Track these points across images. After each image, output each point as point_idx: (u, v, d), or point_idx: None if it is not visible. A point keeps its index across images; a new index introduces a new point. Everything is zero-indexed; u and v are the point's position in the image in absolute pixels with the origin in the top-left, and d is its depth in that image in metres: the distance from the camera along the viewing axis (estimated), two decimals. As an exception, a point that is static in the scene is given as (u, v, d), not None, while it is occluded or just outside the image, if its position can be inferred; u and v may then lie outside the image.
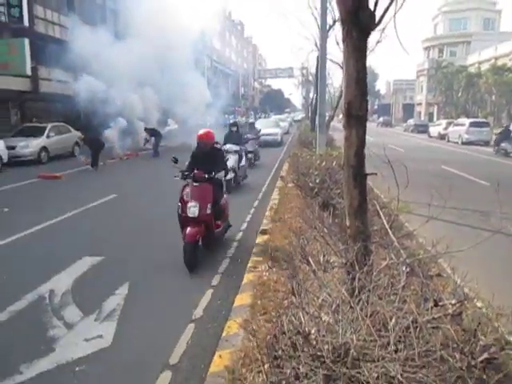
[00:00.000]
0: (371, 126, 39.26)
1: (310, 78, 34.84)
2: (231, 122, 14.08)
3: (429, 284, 2.69)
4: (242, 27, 76.86)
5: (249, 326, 3.43)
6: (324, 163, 7.68)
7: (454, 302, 2.45)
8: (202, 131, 6.56)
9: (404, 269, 2.81)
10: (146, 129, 21.01)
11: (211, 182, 6.09)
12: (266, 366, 2.39)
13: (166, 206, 6.12)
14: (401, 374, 1.98)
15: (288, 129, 38.91)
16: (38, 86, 21.70)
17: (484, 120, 31.74)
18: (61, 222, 8.21)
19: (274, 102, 77.70)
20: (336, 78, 35.67)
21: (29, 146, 16.86)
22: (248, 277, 5.18)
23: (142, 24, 20.40)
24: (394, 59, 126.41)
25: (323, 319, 2.36)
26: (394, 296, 2.53)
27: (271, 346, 2.38)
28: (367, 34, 3.02)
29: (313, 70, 26.78)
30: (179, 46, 22.93)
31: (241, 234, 7.38)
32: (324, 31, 11.62)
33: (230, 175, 10.47)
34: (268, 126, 24.98)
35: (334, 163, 7.66)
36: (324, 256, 3.32)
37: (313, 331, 2.26)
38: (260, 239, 6.57)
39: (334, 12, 14.07)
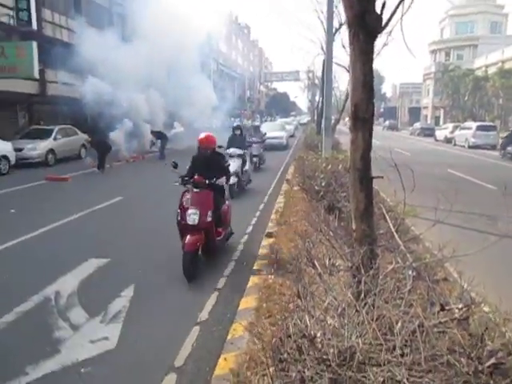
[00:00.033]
0: (377, 130, 39.13)
1: (316, 81, 34.82)
2: (235, 125, 13.53)
3: (435, 288, 2.68)
4: (249, 30, 77.11)
5: (254, 329, 3.42)
6: (330, 166, 7.67)
7: (460, 306, 2.43)
8: (202, 135, 6.34)
9: (410, 273, 2.80)
10: (152, 131, 21.13)
11: (212, 187, 5.89)
12: (272, 370, 2.38)
13: (172, 208, 6.11)
14: (407, 379, 1.97)
15: (294, 132, 38.89)
16: (46, 88, 21.88)
17: (491, 124, 31.60)
18: (67, 224, 8.25)
19: (280, 105, 77.74)
20: (342, 81, 35.77)
21: (36, 149, 16.98)
22: (253, 280, 5.18)
23: (149, 27, 20.52)
24: (400, 62, 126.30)
25: (329, 323, 2.35)
26: (400, 300, 2.52)
27: (276, 349, 2.37)
28: (374, 38, 3.02)
29: (319, 74, 26.79)
30: (186, 49, 23.04)
31: (246, 236, 7.38)
32: (330, 34, 11.63)
33: (233, 180, 10.33)
34: (274, 129, 24.72)
35: (339, 166, 7.65)
36: (330, 259, 3.31)
37: (318, 334, 2.25)
38: (265, 242, 6.57)
39: (340, 15, 14.09)
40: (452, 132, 33.00)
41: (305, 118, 64.95)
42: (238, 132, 12.67)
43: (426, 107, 57.98)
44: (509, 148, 21.24)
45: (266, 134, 18.14)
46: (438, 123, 48.97)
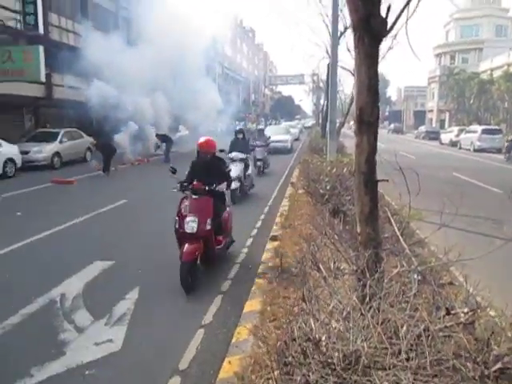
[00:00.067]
0: (382, 133, 39.07)
1: (321, 84, 34.85)
2: (237, 128, 13.20)
3: (441, 292, 2.67)
4: (253, 34, 77.29)
5: (259, 332, 3.42)
6: (335, 170, 7.67)
7: (466, 310, 2.42)
8: (202, 139, 6.09)
9: (415, 276, 2.80)
10: (157, 135, 21.24)
11: (212, 194, 5.63)
12: (276, 373, 2.38)
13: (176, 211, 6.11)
14: (412, 383, 1.96)
15: (298, 135, 38.88)
16: (52, 92, 22.03)
17: (496, 127, 31.46)
18: (72, 227, 8.29)
19: (285, 109, 77.81)
20: (347, 84, 35.61)
21: (42, 151, 17.09)
22: (258, 283, 5.18)
23: (154, 31, 20.63)
24: (405, 66, 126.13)
25: (334, 326, 2.35)
26: (405, 304, 2.51)
27: (281, 352, 2.37)
28: (379, 41, 3.02)
29: (324, 77, 26.83)
30: (191, 53, 23.14)
31: (251, 240, 7.38)
32: (335, 38, 11.64)
33: (236, 185, 10.18)
34: (278, 133, 24.70)
35: (344, 170, 7.65)
36: (334, 263, 3.30)
37: (323, 338, 2.25)
38: (270, 245, 6.57)
39: (345, 19, 14.09)
40: (457, 135, 32.91)
41: (309, 122, 65.02)
42: (241, 136, 12.35)
43: (431, 110, 57.86)
44: (514, 151, 21.15)
45: (270, 137, 17.97)
46: (443, 126, 48.84)
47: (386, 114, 74.03)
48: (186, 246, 5.16)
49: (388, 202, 6.66)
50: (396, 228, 3.47)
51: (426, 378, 2.00)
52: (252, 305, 4.60)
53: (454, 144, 32.73)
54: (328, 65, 15.33)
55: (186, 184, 5.71)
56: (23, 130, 21.07)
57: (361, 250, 3.12)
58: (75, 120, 21.49)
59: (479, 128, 29.50)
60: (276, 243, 6.50)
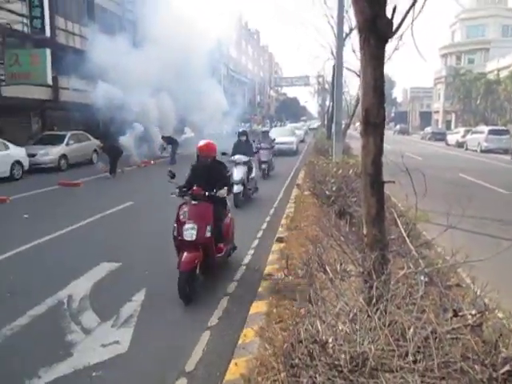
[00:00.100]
0: (388, 134, 38.89)
1: (327, 86, 34.87)
2: (240, 130, 12.68)
3: (448, 294, 2.66)
4: (258, 36, 77.39)
5: (265, 334, 3.42)
6: (340, 171, 7.66)
7: (474, 312, 2.41)
8: (202, 142, 5.87)
9: (422, 278, 2.79)
10: (163, 137, 21.33)
11: (212, 199, 5.40)
12: (283, 375, 2.38)
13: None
14: (420, 385, 1.95)
15: (304, 137, 38.75)
16: (58, 94, 22.18)
17: (503, 128, 31.24)
18: (79, 229, 8.33)
19: (290, 110, 77.79)
20: (352, 85, 35.58)
21: (49, 154, 17.21)
22: (264, 284, 5.17)
23: (160, 33, 20.72)
24: (411, 67, 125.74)
25: (340, 328, 2.34)
26: (412, 306, 2.50)
27: (288, 354, 2.37)
28: (385, 42, 3.02)
29: (329, 78, 26.79)
30: (196, 55, 23.22)
31: (256, 241, 7.38)
32: (340, 39, 11.64)
33: (239, 188, 10.04)
34: (283, 135, 24.52)
35: (350, 171, 7.64)
36: (341, 264, 3.30)
37: (330, 340, 2.25)
38: (276, 247, 6.56)
39: (350, 20, 14.07)
40: (463, 136, 32.71)
41: (315, 123, 64.97)
42: (244, 138, 11.96)
43: (437, 111, 57.60)
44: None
45: (274, 139, 17.70)
46: (449, 127, 48.58)
47: (392, 115, 73.80)
48: (185, 254, 4.93)
49: (394, 204, 6.64)
50: (402, 229, 3.46)
51: (434, 381, 1.99)
52: (258, 306, 4.60)
53: (460, 145, 32.55)
54: (333, 66, 15.32)
55: (185, 189, 5.53)
56: (30, 133, 21.23)
57: (367, 252, 3.11)
58: (82, 122, 21.61)
59: (486, 129, 29.33)
60: (282, 245, 6.50)
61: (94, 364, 3.72)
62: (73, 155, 18.49)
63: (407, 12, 3.06)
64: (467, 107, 45.79)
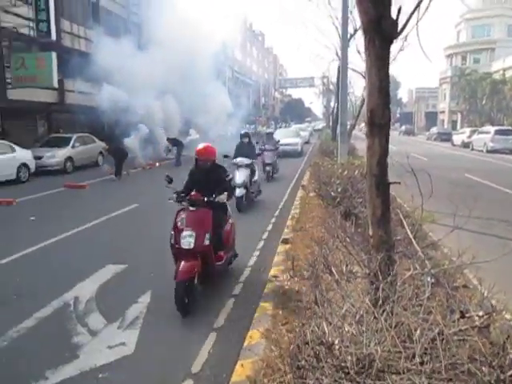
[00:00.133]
0: (393, 135, 38.82)
1: (331, 87, 34.75)
2: (242, 132, 12.32)
3: (455, 295, 2.64)
4: (263, 38, 77.50)
5: (271, 336, 3.42)
6: (346, 172, 7.64)
7: (481, 313, 2.39)
8: (200, 146, 5.64)
9: (429, 279, 2.78)
10: (168, 139, 21.40)
11: (211, 205, 5.15)
12: (289, 377, 2.37)
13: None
14: (427, 387, 1.94)
15: (308, 138, 38.69)
16: (64, 97, 22.34)
17: (510, 128, 31.02)
18: (84, 231, 8.36)
19: (295, 112, 77.78)
20: (357, 86, 35.66)
21: (55, 156, 17.30)
22: (270, 286, 5.17)
23: (165, 35, 20.78)
24: (416, 67, 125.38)
25: (347, 330, 2.34)
26: (418, 307, 2.49)
27: (294, 356, 2.36)
28: (390, 43, 3.01)
29: (334, 79, 26.67)
30: (201, 57, 23.27)
31: (262, 243, 7.37)
32: (345, 40, 11.61)
33: (241, 192, 9.84)
34: (287, 136, 24.32)
35: (356, 172, 7.61)
36: (347, 266, 3.29)
37: (336, 342, 2.24)
38: (281, 248, 6.56)
39: (355, 21, 14.07)
40: (469, 136, 32.57)
41: (320, 124, 64.90)
42: (246, 140, 11.60)
43: (442, 112, 57.40)
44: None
45: (279, 141, 17.50)
46: (455, 128, 48.39)
47: (397, 115, 73.68)
48: (182, 263, 4.68)
49: (400, 205, 6.61)
50: (408, 230, 3.45)
51: (441, 383, 1.98)
52: (264, 308, 4.59)
53: (466, 145, 32.40)
54: (338, 67, 15.29)
55: (183, 194, 5.31)
56: (36, 136, 21.38)
57: (373, 253, 3.10)
58: (87, 125, 21.72)
59: (492, 129, 29.19)
60: (287, 246, 6.49)
61: (100, 366, 3.73)
62: (78, 157, 18.58)
63: (412, 12, 3.05)
64: (473, 107, 45.58)
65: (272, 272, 5.67)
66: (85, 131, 20.88)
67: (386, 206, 3.15)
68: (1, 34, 18.36)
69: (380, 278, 2.73)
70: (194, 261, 4.75)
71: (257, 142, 14.92)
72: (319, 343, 2.27)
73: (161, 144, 22.31)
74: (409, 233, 3.41)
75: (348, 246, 3.71)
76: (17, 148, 15.34)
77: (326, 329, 2.34)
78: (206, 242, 4.87)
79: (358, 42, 14.90)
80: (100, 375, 3.60)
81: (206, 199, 5.13)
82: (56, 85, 19.16)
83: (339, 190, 6.78)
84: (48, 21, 18.60)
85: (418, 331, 2.22)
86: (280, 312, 4.23)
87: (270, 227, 8.43)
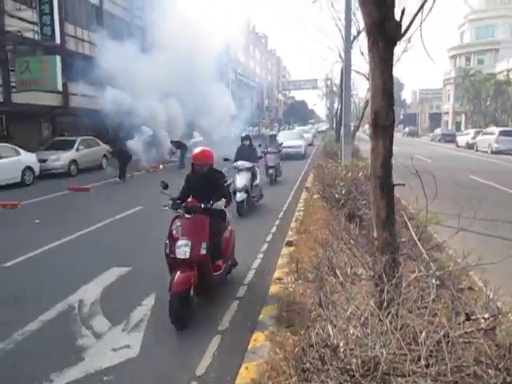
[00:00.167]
0: (397, 136, 38.63)
1: (335, 88, 34.73)
2: (243, 135, 12.04)
3: (460, 297, 2.63)
4: (266, 40, 77.63)
5: (275, 338, 3.41)
6: (350, 174, 7.62)
7: (486, 316, 2.38)
8: (197, 150, 5.41)
9: (434, 281, 2.77)
10: (172, 141, 21.46)
11: (209, 212, 4.89)
12: (294, 379, 2.37)
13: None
14: (433, 390, 1.93)
15: (312, 140, 38.58)
16: (68, 101, 22.47)
17: (514, 128, 30.96)
18: (89, 234, 8.39)
19: (298, 114, 77.85)
20: (361, 88, 35.53)
21: (59, 159, 17.42)
22: (274, 288, 5.16)
23: (168, 38, 20.87)
24: (419, 68, 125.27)
25: (351, 332, 2.33)
26: (424, 309, 2.48)
27: (299, 358, 2.36)
28: (393, 45, 3.01)
29: (337, 81, 26.75)
30: (204, 60, 23.32)
31: (266, 245, 7.37)
32: (348, 42, 11.61)
33: (242, 196, 9.67)
34: (291, 138, 24.05)
35: (359, 174, 7.59)
36: (351, 268, 3.29)
37: (341, 344, 2.23)
38: (285, 251, 6.55)
39: (358, 23, 14.04)
40: (474, 137, 32.45)
41: (323, 126, 64.83)
42: (247, 142, 11.27)
43: (446, 113, 57.25)
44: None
45: (282, 143, 17.32)
46: (459, 129, 48.26)
47: (401, 117, 73.48)
48: (178, 274, 4.43)
49: (404, 206, 6.60)
50: (413, 232, 3.44)
51: (447, 385, 1.97)
52: (268, 310, 4.58)
53: (470, 146, 32.28)
54: (342, 69, 15.27)
55: (179, 201, 5.05)
56: (41, 139, 21.50)
57: (378, 255, 3.09)
58: (91, 128, 21.82)
59: (496, 130, 29.08)
60: (291, 248, 6.48)
61: (105, 368, 3.73)
62: (83, 160, 18.67)
63: (416, 14, 3.05)
64: (477, 108, 45.44)
65: (276, 274, 5.66)
66: (89, 134, 21.00)
67: (391, 208, 3.14)
68: (5, 37, 18.50)
69: (385, 280, 2.72)
70: (190, 271, 4.49)
71: (259, 145, 14.82)
72: (324, 346, 2.26)
73: (164, 146, 22.39)
74: (413, 235, 3.40)
75: (352, 248, 3.70)
76: (21, 151, 15.44)
77: (330, 331, 2.33)
78: (203, 252, 4.63)
79: (362, 43, 14.87)
80: (105, 378, 3.61)
81: (202, 206, 4.88)
82: (60, 88, 19.28)
83: (343, 191, 6.76)
84: (52, 25, 18.76)
85: (424, 333, 2.21)
86: (284, 314, 4.21)
87: (274, 229, 8.42)
